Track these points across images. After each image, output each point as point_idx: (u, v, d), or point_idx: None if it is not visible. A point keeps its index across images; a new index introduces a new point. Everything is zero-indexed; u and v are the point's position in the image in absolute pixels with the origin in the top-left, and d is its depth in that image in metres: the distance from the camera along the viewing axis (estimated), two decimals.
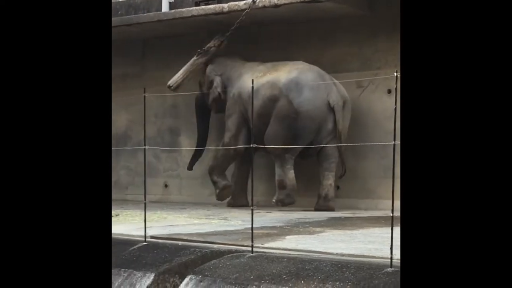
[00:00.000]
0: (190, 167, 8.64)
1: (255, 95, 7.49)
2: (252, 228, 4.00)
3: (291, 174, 7.38)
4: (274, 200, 7.47)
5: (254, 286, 3.45)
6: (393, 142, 3.59)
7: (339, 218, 6.52)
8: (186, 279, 3.77)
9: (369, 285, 3.14)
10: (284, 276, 3.44)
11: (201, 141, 8.50)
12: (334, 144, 7.22)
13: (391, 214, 3.53)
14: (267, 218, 6.40)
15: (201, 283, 3.68)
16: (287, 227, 5.62)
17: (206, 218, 6.44)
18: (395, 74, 3.66)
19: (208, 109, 8.49)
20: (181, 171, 9.26)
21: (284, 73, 7.52)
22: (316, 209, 7.29)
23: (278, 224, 5.79)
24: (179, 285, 3.79)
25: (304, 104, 7.29)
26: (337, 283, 3.22)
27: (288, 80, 7.40)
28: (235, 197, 8.14)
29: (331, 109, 7.27)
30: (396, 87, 3.68)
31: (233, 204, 8.05)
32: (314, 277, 3.34)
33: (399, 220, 5.71)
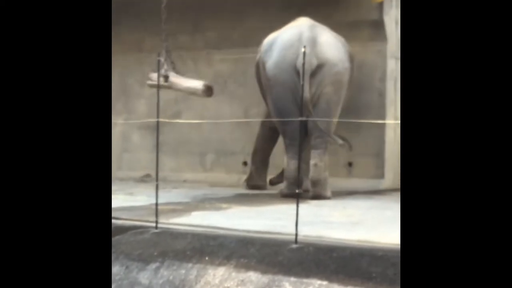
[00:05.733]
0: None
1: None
2: (156, 203, 3.92)
3: (292, 164, 6.02)
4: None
5: (158, 263, 3.38)
6: (300, 118, 3.60)
7: (247, 195, 6.51)
8: None
9: (274, 261, 3.13)
10: (188, 252, 3.39)
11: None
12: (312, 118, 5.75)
13: (297, 191, 3.54)
14: (173, 194, 6.32)
15: None
16: (194, 203, 5.57)
17: None
18: (302, 49, 3.65)
19: None
20: None
21: (275, 33, 6.40)
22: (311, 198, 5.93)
23: (185, 200, 5.73)
24: None
25: (271, 68, 6.12)
26: (242, 259, 3.19)
27: (268, 40, 6.33)
28: (252, 177, 7.16)
29: (297, 73, 5.86)
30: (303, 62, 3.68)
31: (252, 186, 7.08)
32: (219, 254, 3.31)
33: (305, 198, 5.75)
